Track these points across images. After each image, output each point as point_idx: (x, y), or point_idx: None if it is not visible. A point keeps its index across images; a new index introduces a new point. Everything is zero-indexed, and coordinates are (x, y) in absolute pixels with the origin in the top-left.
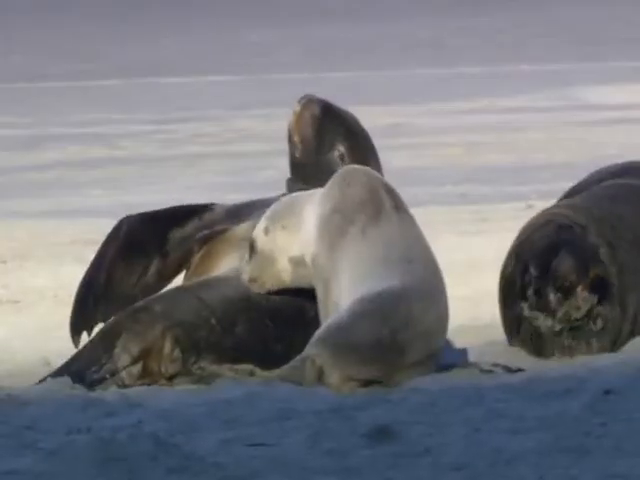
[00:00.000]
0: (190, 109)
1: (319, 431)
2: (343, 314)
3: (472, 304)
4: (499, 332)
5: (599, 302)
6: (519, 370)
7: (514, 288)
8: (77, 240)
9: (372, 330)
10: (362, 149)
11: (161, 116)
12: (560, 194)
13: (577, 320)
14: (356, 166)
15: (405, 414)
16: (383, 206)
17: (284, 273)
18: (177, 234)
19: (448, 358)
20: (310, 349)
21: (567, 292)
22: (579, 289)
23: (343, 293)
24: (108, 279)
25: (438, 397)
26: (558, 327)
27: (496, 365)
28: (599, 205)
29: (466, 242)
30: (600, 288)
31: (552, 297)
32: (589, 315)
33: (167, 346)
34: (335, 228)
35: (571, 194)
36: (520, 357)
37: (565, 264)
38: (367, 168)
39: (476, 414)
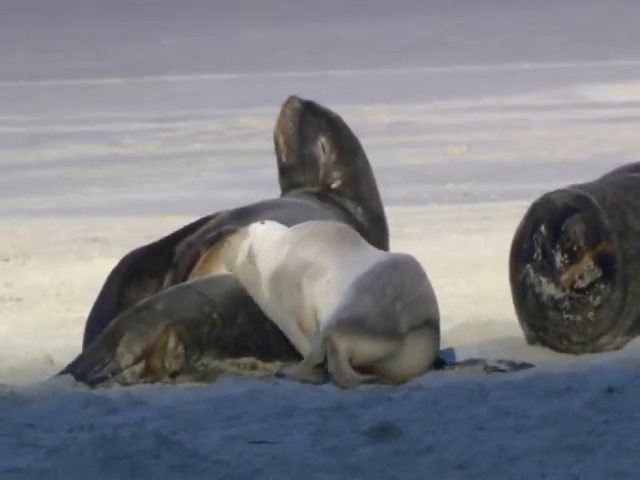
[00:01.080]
0: (192, 107)
1: (321, 429)
2: (343, 299)
3: (473, 302)
4: (500, 330)
5: (602, 280)
6: (524, 365)
7: (523, 248)
8: (79, 238)
9: (376, 301)
10: (346, 144)
11: (163, 114)
12: None
13: (578, 291)
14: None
15: (407, 412)
16: (361, 239)
17: (240, 254)
18: (183, 244)
19: (450, 356)
20: (319, 332)
21: (574, 257)
22: (586, 257)
23: (332, 287)
24: (119, 304)
25: (441, 395)
26: (559, 295)
27: (501, 362)
28: (614, 191)
29: (468, 240)
30: (606, 266)
31: (558, 258)
32: (590, 289)
33: (171, 342)
34: (310, 244)
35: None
36: (521, 355)
37: (577, 228)
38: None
39: (479, 412)
